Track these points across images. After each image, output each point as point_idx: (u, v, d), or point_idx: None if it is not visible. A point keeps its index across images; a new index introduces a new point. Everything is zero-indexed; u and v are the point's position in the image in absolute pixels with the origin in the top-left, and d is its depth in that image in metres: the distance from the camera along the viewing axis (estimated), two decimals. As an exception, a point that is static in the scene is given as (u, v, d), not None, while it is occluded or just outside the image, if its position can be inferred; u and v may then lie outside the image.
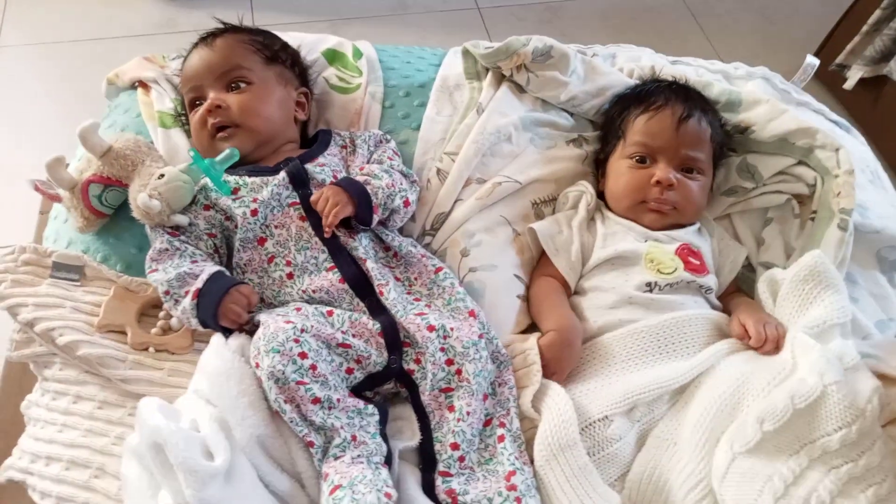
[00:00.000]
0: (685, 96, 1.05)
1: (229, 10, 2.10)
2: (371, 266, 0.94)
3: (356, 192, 0.95)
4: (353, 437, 0.81)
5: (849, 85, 1.92)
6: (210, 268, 0.92)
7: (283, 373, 0.80)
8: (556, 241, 1.02)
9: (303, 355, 0.82)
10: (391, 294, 0.92)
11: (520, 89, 1.13)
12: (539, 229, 1.03)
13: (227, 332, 0.91)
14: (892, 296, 1.03)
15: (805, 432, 0.78)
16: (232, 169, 1.00)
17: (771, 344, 0.89)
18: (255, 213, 0.96)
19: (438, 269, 0.96)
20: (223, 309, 0.88)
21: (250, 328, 0.93)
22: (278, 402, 0.81)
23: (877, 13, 1.86)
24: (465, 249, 1.01)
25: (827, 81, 2.01)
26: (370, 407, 0.85)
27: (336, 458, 0.80)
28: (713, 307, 1.00)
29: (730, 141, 1.09)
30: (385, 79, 1.17)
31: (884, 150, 1.47)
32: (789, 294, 0.91)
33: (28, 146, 1.78)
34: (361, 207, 0.94)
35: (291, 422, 0.81)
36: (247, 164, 1.02)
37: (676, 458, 0.85)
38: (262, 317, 0.89)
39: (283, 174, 0.98)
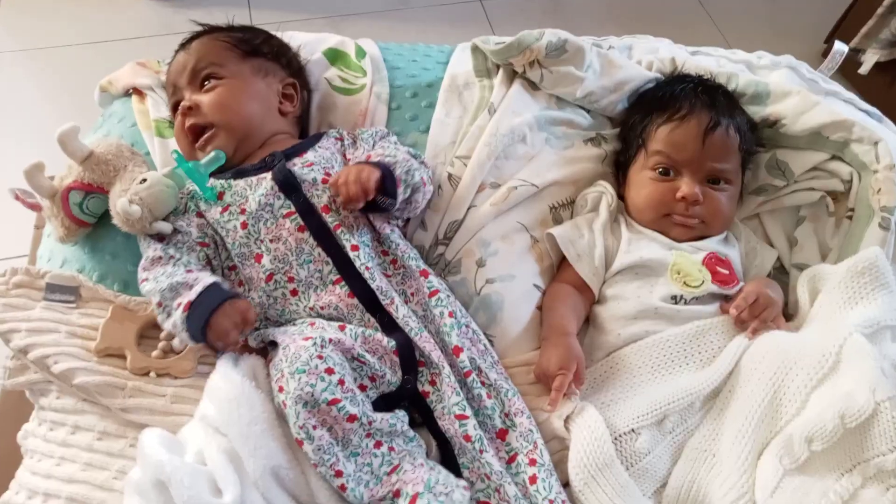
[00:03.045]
0: (711, 101, 0.98)
1: (227, 8, 2.07)
2: (374, 278, 0.87)
3: (377, 163, 0.89)
4: (391, 448, 0.76)
5: (864, 69, 1.88)
6: (206, 278, 0.85)
7: (312, 394, 0.73)
8: (577, 247, 0.96)
9: (329, 371, 0.75)
10: (400, 311, 0.86)
11: (533, 86, 1.07)
12: (558, 234, 0.97)
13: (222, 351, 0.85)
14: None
15: (857, 450, 0.74)
16: (217, 172, 0.94)
17: (746, 312, 0.87)
18: (245, 226, 0.90)
19: (433, 293, 0.89)
20: (213, 324, 0.81)
21: (258, 346, 0.88)
22: (306, 428, 0.74)
23: (891, -4, 1.80)
24: (481, 259, 0.95)
25: (841, 66, 1.95)
26: (399, 412, 0.81)
27: (388, 473, 0.75)
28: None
29: (758, 136, 1.03)
30: (391, 79, 1.11)
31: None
32: (841, 284, 0.86)
33: (23, 153, 1.73)
34: (387, 176, 0.87)
35: (319, 450, 0.74)
36: (234, 166, 0.97)
37: (716, 471, 0.81)
38: (279, 337, 0.83)
39: (269, 181, 0.91)
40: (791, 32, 2.16)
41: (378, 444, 0.76)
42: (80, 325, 0.92)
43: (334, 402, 0.74)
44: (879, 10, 1.81)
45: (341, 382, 0.75)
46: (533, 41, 1.03)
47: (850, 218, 0.97)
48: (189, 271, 0.87)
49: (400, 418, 0.79)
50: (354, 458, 0.75)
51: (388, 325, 0.86)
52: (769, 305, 0.89)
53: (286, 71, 1.06)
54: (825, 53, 2.07)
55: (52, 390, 0.89)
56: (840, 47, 1.13)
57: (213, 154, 0.92)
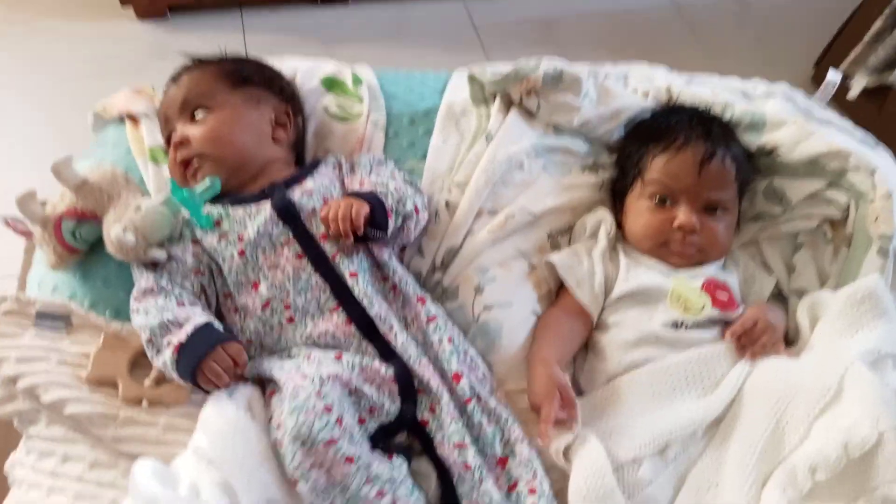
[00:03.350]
0: (707, 132, 0.99)
1: (221, 32, 2.08)
2: (373, 304, 0.86)
3: (367, 196, 0.89)
4: (395, 502, 0.74)
5: (852, 95, 1.89)
6: (197, 317, 0.83)
7: (310, 433, 0.72)
8: (576, 274, 0.96)
9: (328, 408, 0.74)
10: (399, 338, 0.85)
11: (530, 115, 1.07)
12: (558, 262, 0.97)
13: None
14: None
15: (862, 480, 0.73)
16: (214, 200, 0.94)
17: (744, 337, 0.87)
18: (242, 254, 0.89)
19: (431, 319, 0.89)
20: (204, 368, 0.80)
21: (252, 377, 0.87)
22: (301, 468, 0.72)
23: (878, 23, 1.82)
24: (479, 286, 0.94)
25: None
26: (398, 458, 0.78)
27: None
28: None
29: (755, 164, 1.04)
30: (388, 106, 1.11)
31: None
32: (841, 313, 0.86)
33: (14, 176, 1.71)
34: (376, 209, 0.88)
35: (313, 490, 0.72)
36: (230, 194, 0.96)
37: (720, 501, 0.79)
38: (276, 374, 0.81)
39: (269, 210, 0.91)
40: (781, 58, 2.18)
41: (380, 494, 0.73)
42: (71, 353, 0.90)
43: (331, 442, 0.72)
44: (867, 37, 1.84)
45: (339, 422, 0.74)
46: (530, 71, 1.03)
47: (849, 245, 0.97)
48: (181, 305, 0.85)
49: (397, 466, 0.77)
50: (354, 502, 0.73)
51: (386, 352, 0.85)
52: (768, 330, 0.88)
53: (279, 98, 1.06)
54: (815, 78, 2.11)
55: (41, 419, 0.87)
56: (833, 77, 1.14)
57: (207, 182, 0.91)
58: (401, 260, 0.97)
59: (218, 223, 0.92)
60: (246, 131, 0.99)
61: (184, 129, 0.98)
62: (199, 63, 1.06)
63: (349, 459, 0.72)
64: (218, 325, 0.85)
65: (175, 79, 1.04)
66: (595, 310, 0.95)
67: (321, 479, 0.72)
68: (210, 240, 0.91)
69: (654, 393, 0.86)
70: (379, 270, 0.92)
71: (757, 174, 1.04)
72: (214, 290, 0.92)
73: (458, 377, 0.84)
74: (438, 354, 0.86)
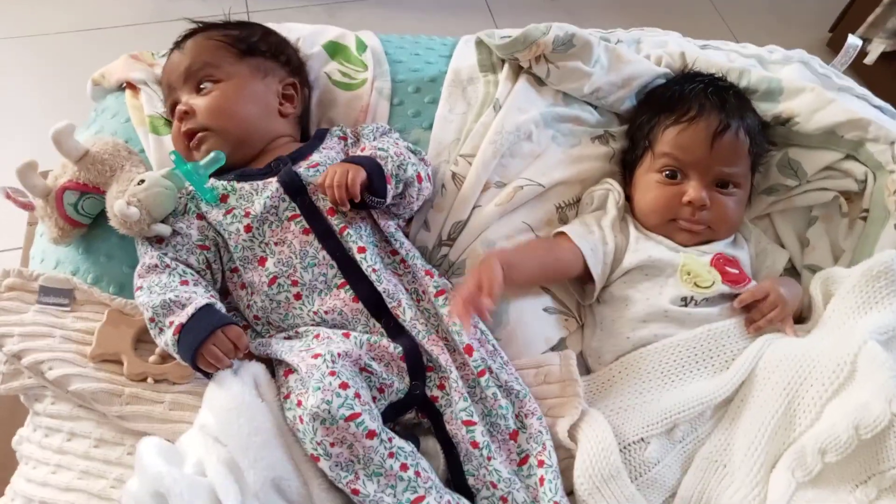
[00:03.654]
0: (721, 102, 0.95)
1: (222, -1, 2.03)
2: (381, 280, 0.85)
3: (364, 162, 0.86)
4: (418, 474, 0.74)
5: (870, 59, 1.85)
6: (199, 298, 0.82)
7: (329, 410, 0.71)
8: (590, 242, 0.93)
9: (344, 385, 0.73)
10: (407, 313, 0.84)
11: (539, 82, 1.04)
12: (570, 231, 0.94)
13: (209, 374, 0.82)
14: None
15: (872, 462, 0.72)
16: (220, 174, 0.92)
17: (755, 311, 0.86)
18: (248, 229, 0.88)
19: (440, 293, 0.87)
20: (204, 351, 0.79)
21: (259, 355, 0.86)
22: (323, 446, 0.72)
23: (897, -16, 1.77)
24: (486, 261, 0.93)
25: None
26: (407, 444, 0.77)
27: (412, 502, 0.72)
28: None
29: (770, 134, 1.01)
30: (393, 73, 1.07)
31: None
32: (855, 288, 0.84)
33: (14, 146, 1.69)
34: (374, 175, 0.85)
35: (336, 466, 0.72)
36: (236, 168, 0.94)
37: (727, 482, 0.79)
38: (286, 356, 0.81)
39: (275, 184, 0.89)
40: (796, 21, 2.14)
41: (404, 467, 0.73)
42: (75, 330, 0.89)
43: (353, 416, 0.71)
44: (885, 0, 1.78)
45: (357, 396, 0.73)
46: (539, 35, 1.00)
47: (864, 219, 0.94)
48: (184, 283, 0.84)
49: (412, 449, 0.77)
50: (377, 479, 0.73)
51: (394, 329, 0.84)
52: (779, 305, 0.87)
53: (286, 69, 1.02)
54: (830, 43, 2.06)
55: (47, 395, 0.87)
56: (854, 41, 1.10)
57: (212, 155, 0.89)
58: (406, 234, 0.95)
59: (224, 198, 0.90)
60: (252, 105, 0.96)
61: (189, 100, 0.95)
62: (203, 27, 1.02)
63: (371, 434, 0.72)
64: (220, 306, 0.84)
65: (179, 44, 1.01)
66: (601, 279, 0.93)
67: (343, 454, 0.72)
68: (216, 214, 0.89)
69: (662, 371, 0.85)
70: (387, 244, 0.91)
71: (772, 146, 1.01)
72: (220, 266, 0.91)
73: (469, 350, 0.83)
74: (449, 327, 0.85)
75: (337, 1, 2.15)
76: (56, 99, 1.80)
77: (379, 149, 0.89)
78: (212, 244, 0.90)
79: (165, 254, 0.87)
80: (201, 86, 0.96)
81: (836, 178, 0.98)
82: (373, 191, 0.86)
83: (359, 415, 0.71)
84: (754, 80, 1.02)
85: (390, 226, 0.91)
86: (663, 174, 0.96)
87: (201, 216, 0.90)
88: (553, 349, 0.91)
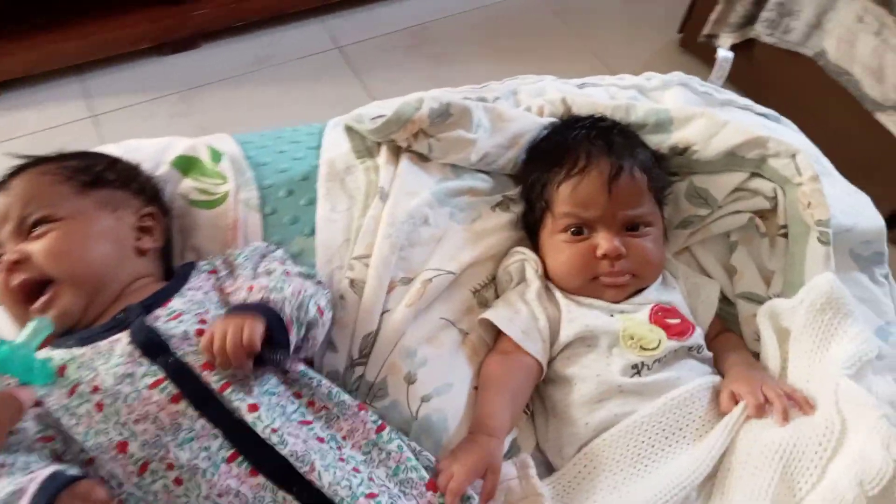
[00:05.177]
0: (608, 145, 0.89)
1: (62, 104, 1.83)
2: (285, 441, 0.68)
3: (257, 309, 0.71)
4: None
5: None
6: (42, 471, 0.62)
7: None
8: (518, 324, 0.84)
9: None
10: (325, 477, 0.67)
11: (423, 158, 0.95)
12: (494, 317, 0.85)
13: None
14: (879, 296, 0.93)
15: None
16: (57, 340, 0.75)
17: (777, 405, 0.74)
18: (100, 407, 0.69)
19: (381, 428, 0.74)
20: None
21: None
22: None
23: (731, -20, 1.85)
24: (410, 374, 0.81)
25: (700, 54, 2.02)
26: None
27: None
28: (706, 362, 0.86)
29: (668, 166, 0.96)
30: (258, 178, 0.94)
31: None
32: (806, 328, 0.78)
33: None
34: (273, 326, 0.71)
35: None
36: (75, 331, 0.77)
37: None
38: None
39: (125, 342, 0.72)
40: (646, 26, 2.19)
41: None
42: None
43: None
44: (722, -3, 1.86)
45: None
46: (412, 112, 0.91)
47: (784, 236, 0.91)
48: (27, 471, 0.64)
49: None
50: None
51: (314, 500, 0.67)
52: (764, 381, 0.79)
53: (140, 198, 0.88)
54: (682, 43, 2.13)
55: None
56: (725, 54, 1.09)
57: (33, 324, 0.70)
58: (311, 364, 0.81)
59: (61, 370, 0.72)
60: (103, 243, 0.81)
61: (19, 246, 0.78)
62: (33, 162, 0.85)
63: None
64: (74, 469, 0.65)
65: (3, 186, 0.83)
66: (545, 359, 0.84)
67: None
68: (58, 397, 0.71)
69: (633, 457, 0.76)
70: (289, 387, 0.76)
71: (673, 176, 0.96)
72: (74, 457, 0.71)
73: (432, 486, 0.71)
74: (400, 464, 0.72)
75: (191, 87, 2.00)
76: None
77: (271, 290, 0.74)
78: (57, 433, 0.71)
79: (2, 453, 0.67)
80: (34, 229, 0.79)
81: (746, 199, 0.94)
82: (273, 342, 0.71)
83: None
84: (641, 115, 0.97)
85: (295, 367, 0.76)
86: (569, 233, 0.89)
87: (38, 403, 0.71)
88: (505, 456, 0.80)
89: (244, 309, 0.72)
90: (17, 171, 0.85)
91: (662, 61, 2.12)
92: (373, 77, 2.08)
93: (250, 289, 0.76)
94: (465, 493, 0.71)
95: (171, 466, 0.68)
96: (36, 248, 0.78)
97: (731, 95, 1.06)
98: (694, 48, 1.99)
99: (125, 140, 1.01)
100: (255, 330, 0.68)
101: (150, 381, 0.70)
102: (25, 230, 0.79)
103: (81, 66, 1.90)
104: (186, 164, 0.96)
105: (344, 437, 0.74)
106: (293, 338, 0.72)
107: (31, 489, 0.60)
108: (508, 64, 2.01)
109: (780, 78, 1.78)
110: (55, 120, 1.79)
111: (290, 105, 1.91)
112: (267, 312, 0.71)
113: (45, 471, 0.63)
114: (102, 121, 1.83)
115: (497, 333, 0.87)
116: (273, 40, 2.09)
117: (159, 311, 0.76)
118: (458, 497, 0.70)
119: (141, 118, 1.84)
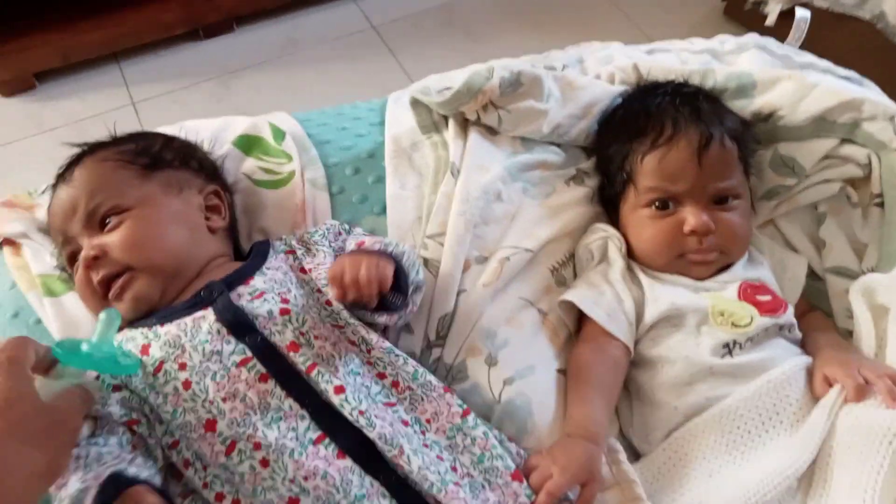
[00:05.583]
0: (695, 111, 0.84)
1: (101, 92, 1.82)
2: (373, 423, 0.66)
3: (388, 254, 0.73)
4: None
5: (770, 21, 1.86)
6: (106, 471, 0.61)
7: None
8: (603, 306, 0.81)
9: None
10: (413, 461, 0.65)
11: (492, 131, 0.91)
12: (577, 299, 0.81)
13: None
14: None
15: None
16: (136, 321, 0.74)
17: (881, 385, 0.69)
18: (188, 385, 0.68)
19: (467, 412, 0.71)
20: None
21: None
22: None
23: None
24: (491, 356, 0.78)
25: (747, 21, 1.94)
26: None
27: None
28: (796, 342, 0.82)
29: (753, 133, 0.91)
30: (323, 157, 0.92)
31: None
32: None
33: None
34: (399, 269, 0.73)
35: None
36: (156, 311, 0.76)
37: None
38: None
39: (211, 319, 0.71)
40: (696, -3, 2.11)
41: None
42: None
43: None
44: (775, -40, 1.79)
45: None
46: (483, 82, 0.87)
47: (879, 205, 0.85)
48: (103, 464, 0.63)
49: None
50: None
51: (397, 485, 0.66)
52: (861, 362, 0.74)
53: (201, 176, 0.85)
54: (727, 10, 2.06)
55: None
56: (803, 14, 1.03)
57: (103, 317, 0.67)
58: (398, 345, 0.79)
59: (145, 349, 0.71)
60: (177, 227, 0.79)
61: (94, 241, 0.76)
62: (91, 149, 0.83)
63: None
64: (132, 470, 0.63)
65: (64, 176, 0.81)
66: (632, 342, 0.81)
67: None
68: (142, 375, 0.70)
69: (727, 443, 0.72)
70: (372, 367, 0.73)
71: (758, 145, 0.91)
72: (157, 441, 0.70)
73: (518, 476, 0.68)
74: (485, 452, 0.69)
75: (228, 72, 1.98)
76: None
77: (387, 244, 0.76)
78: (141, 416, 0.70)
79: (79, 447, 0.64)
80: (106, 221, 0.77)
81: (837, 167, 0.88)
82: (399, 287, 0.73)
83: None
84: (721, 79, 0.92)
85: (373, 338, 0.74)
86: (653, 207, 0.84)
87: (118, 387, 0.70)
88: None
89: (360, 250, 0.74)
90: (75, 161, 0.82)
91: (706, 30, 2.03)
92: (408, 55, 2.04)
93: (360, 244, 0.77)
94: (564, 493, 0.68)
95: (258, 446, 0.66)
96: (112, 240, 0.76)
97: (811, 58, 1.00)
98: (739, 15, 1.92)
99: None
100: (388, 268, 0.71)
101: (237, 358, 0.69)
102: (96, 223, 0.78)
103: (117, 53, 1.89)
104: (248, 144, 0.93)
105: (427, 421, 0.71)
106: (410, 290, 0.74)
107: (92, 492, 0.59)
108: (544, 36, 1.95)
109: (835, 43, 1.70)
110: (97, 108, 1.78)
111: (328, 85, 1.88)
112: (391, 258, 0.73)
113: (108, 470, 0.62)
114: (141, 108, 1.82)
115: (578, 315, 0.83)
116: (306, 21, 2.06)
117: (242, 289, 0.74)
118: (555, 498, 0.66)
119: (180, 104, 1.83)
